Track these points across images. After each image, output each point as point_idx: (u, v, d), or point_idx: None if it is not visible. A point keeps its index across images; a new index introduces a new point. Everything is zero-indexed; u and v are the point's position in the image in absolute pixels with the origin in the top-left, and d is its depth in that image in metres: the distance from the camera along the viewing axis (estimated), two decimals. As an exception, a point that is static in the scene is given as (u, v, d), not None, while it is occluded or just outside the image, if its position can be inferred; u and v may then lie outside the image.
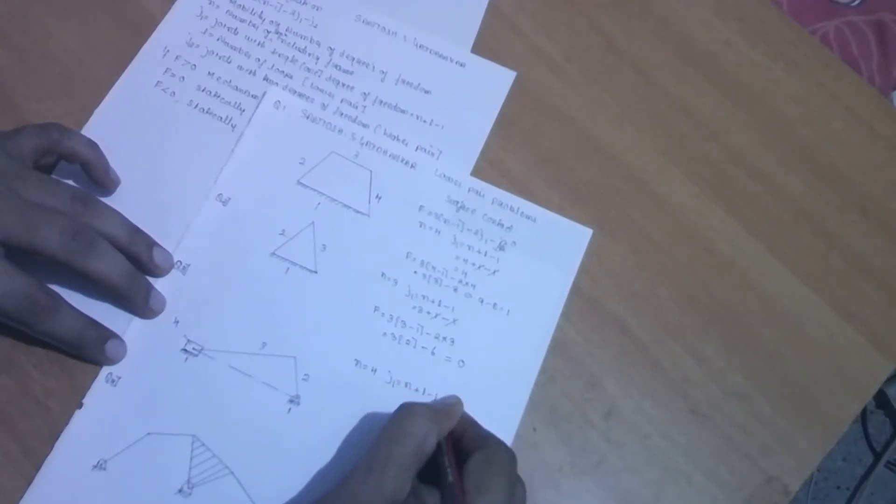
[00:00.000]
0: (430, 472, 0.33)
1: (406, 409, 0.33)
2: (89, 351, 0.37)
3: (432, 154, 0.45)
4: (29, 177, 0.36)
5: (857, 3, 0.66)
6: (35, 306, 0.35)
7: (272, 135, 0.44)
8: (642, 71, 0.49)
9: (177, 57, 0.45)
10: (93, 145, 0.40)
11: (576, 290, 0.42)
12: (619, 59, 0.49)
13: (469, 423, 0.36)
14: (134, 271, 0.38)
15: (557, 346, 0.41)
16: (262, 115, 0.44)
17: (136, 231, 0.39)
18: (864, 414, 1.12)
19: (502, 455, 0.33)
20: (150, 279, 0.39)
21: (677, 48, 0.49)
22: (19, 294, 0.34)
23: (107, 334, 0.37)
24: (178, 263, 0.40)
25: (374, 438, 0.33)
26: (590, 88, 0.48)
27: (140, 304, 0.38)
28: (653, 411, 0.41)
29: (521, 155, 0.45)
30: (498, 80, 0.47)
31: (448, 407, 0.35)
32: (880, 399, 1.11)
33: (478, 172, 0.44)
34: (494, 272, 0.42)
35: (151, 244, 0.39)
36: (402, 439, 0.32)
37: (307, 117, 0.44)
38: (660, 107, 0.48)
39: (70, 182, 0.40)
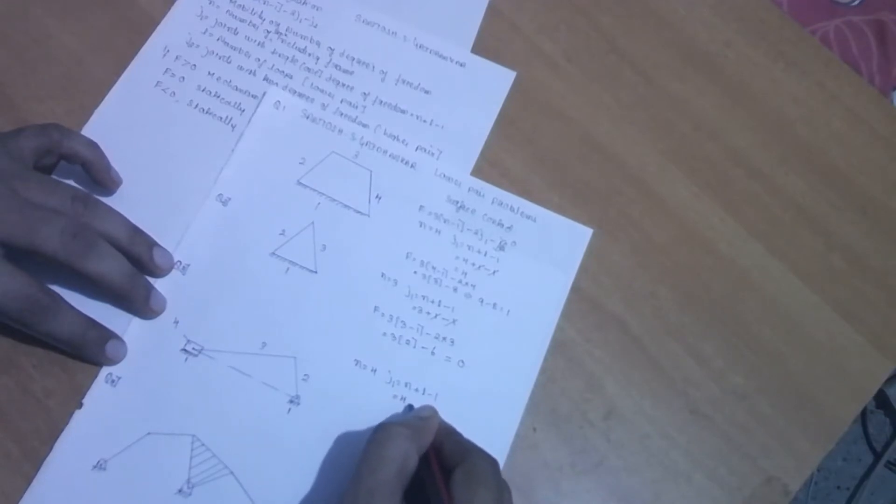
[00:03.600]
0: (415, 489, 0.32)
1: (383, 432, 0.32)
2: (89, 351, 0.37)
3: (432, 154, 0.45)
4: (29, 177, 0.36)
5: (857, 3, 0.66)
6: (35, 306, 0.35)
7: (272, 135, 0.44)
8: (642, 71, 0.49)
9: (177, 57, 0.45)
10: (93, 145, 0.40)
11: (576, 290, 0.42)
12: (619, 59, 0.49)
13: (447, 433, 0.34)
14: (134, 272, 0.38)
15: (557, 346, 0.41)
16: (262, 115, 0.44)
17: (137, 231, 0.39)
18: (864, 414, 1.12)
19: (485, 465, 0.32)
20: (151, 279, 0.39)
21: (677, 48, 0.49)
22: (20, 294, 0.34)
23: (107, 335, 0.37)
24: (178, 263, 0.40)
25: (355, 465, 0.32)
26: (590, 88, 0.48)
27: (141, 304, 0.38)
28: (653, 411, 0.41)
29: (521, 155, 0.45)
30: (498, 80, 0.47)
31: (423, 421, 0.34)
32: (880, 399, 1.11)
33: (478, 172, 0.44)
34: (494, 272, 0.42)
35: (152, 244, 0.39)
36: (383, 465, 0.31)
37: (307, 117, 0.44)
38: (660, 107, 0.48)
39: (71, 182, 0.40)
